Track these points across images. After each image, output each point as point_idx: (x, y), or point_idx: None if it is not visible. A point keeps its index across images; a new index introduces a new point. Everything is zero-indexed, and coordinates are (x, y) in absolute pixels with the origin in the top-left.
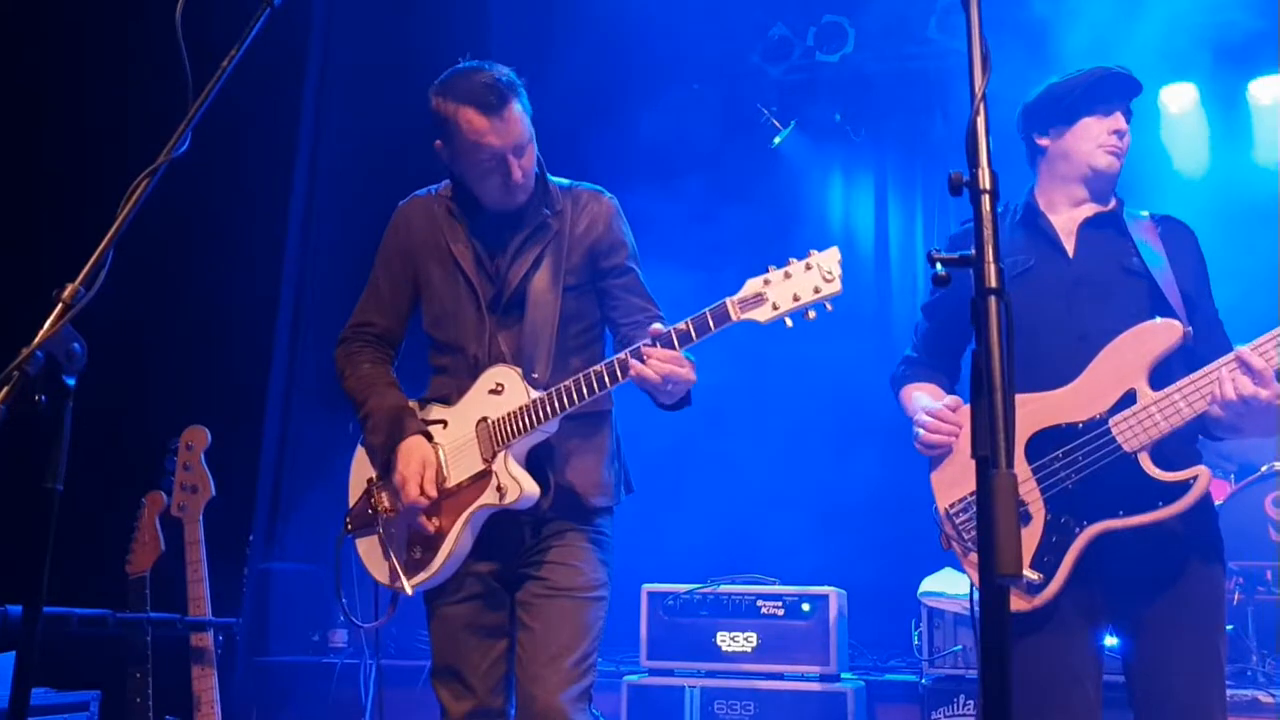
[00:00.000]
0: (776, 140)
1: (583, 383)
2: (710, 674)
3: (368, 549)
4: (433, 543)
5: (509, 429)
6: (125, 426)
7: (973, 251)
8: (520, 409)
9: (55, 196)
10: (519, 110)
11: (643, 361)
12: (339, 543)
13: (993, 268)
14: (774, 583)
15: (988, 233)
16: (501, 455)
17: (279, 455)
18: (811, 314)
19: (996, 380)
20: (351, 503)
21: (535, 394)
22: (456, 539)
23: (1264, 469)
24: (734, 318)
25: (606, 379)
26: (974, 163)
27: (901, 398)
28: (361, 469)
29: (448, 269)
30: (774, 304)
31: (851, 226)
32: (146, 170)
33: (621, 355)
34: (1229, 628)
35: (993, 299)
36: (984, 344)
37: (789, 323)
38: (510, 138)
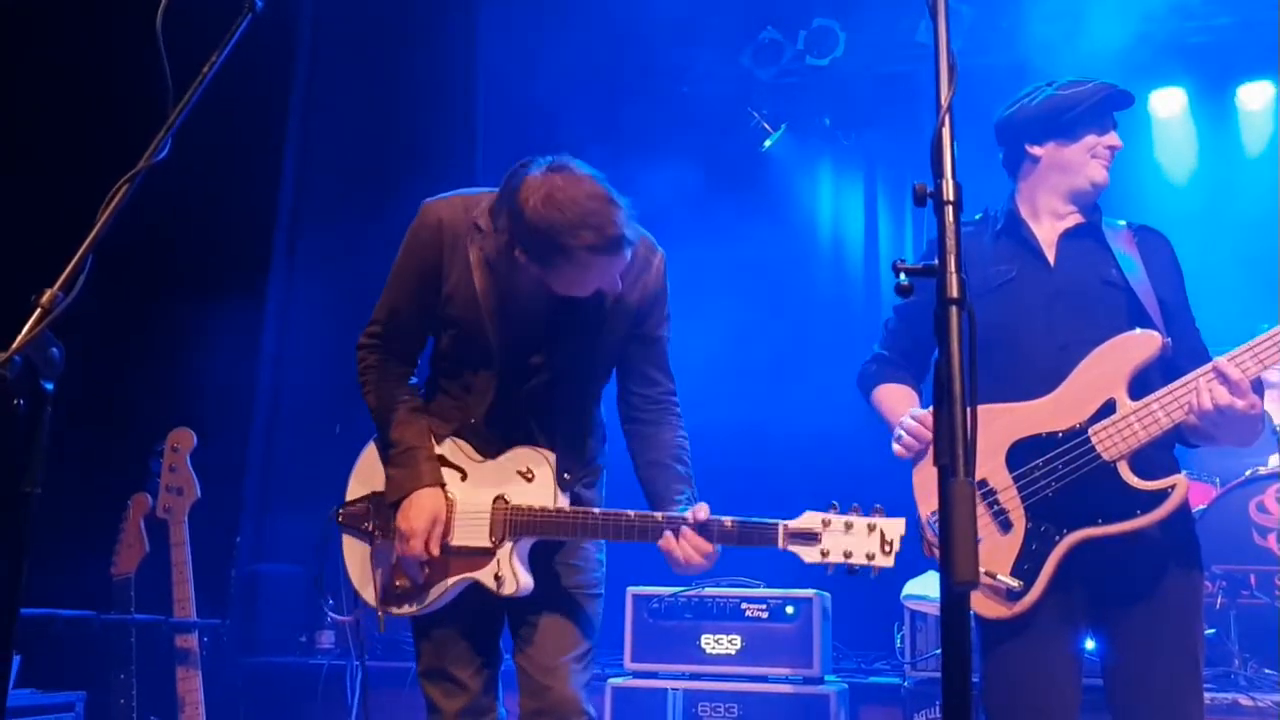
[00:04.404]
0: (767, 143)
1: (610, 525)
2: (694, 676)
3: (354, 553)
4: (418, 586)
5: (527, 524)
6: (111, 428)
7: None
8: (543, 511)
9: (37, 199)
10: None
11: (677, 537)
12: (326, 529)
13: (955, 278)
14: (758, 585)
15: (950, 243)
16: (509, 545)
17: (265, 457)
18: (855, 570)
19: (956, 390)
20: (350, 497)
21: (564, 501)
22: (444, 592)
23: (1247, 473)
24: (780, 545)
25: (636, 533)
26: (938, 174)
27: (874, 398)
28: (369, 470)
29: (478, 318)
30: (824, 550)
31: (841, 229)
32: (126, 175)
33: (659, 516)
34: (1210, 631)
35: (954, 309)
36: (945, 354)
37: (830, 570)
38: (617, 269)
